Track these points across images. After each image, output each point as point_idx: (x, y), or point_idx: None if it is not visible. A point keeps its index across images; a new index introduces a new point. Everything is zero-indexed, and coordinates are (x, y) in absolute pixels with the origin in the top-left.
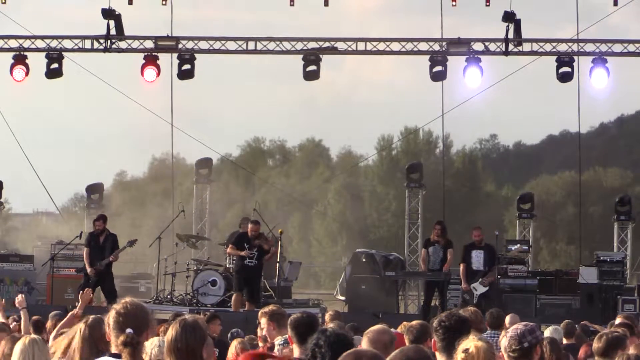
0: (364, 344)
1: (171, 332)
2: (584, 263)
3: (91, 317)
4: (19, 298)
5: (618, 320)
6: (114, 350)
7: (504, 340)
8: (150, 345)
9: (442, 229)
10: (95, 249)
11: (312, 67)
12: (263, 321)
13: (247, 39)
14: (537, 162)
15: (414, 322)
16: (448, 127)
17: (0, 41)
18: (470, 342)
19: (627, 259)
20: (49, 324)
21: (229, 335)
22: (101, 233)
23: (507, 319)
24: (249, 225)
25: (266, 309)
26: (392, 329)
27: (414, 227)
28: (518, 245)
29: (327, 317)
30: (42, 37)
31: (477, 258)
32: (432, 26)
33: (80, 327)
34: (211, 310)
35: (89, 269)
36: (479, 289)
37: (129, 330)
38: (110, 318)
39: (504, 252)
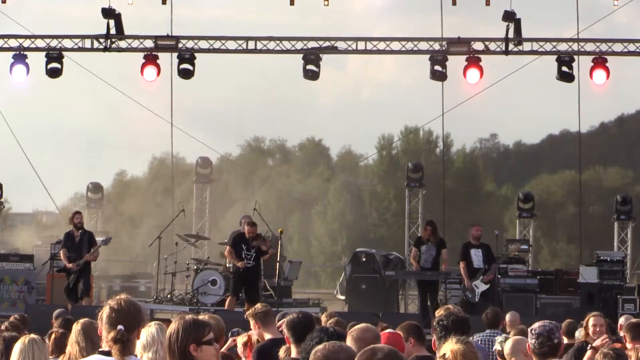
0: (348, 342)
1: (171, 328)
2: (584, 263)
3: (81, 320)
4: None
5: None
6: (104, 346)
7: (530, 339)
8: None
9: (433, 230)
10: (72, 248)
11: (312, 67)
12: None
13: (247, 39)
14: (537, 161)
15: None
16: (448, 127)
17: (0, 41)
18: (447, 347)
19: (627, 258)
20: (55, 324)
21: (229, 334)
22: (77, 230)
23: (507, 316)
24: (246, 228)
25: (250, 310)
26: (391, 329)
27: (414, 227)
28: (516, 244)
29: (323, 317)
30: (42, 37)
31: (477, 256)
32: (433, 26)
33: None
34: (211, 310)
35: (68, 265)
36: (480, 286)
37: (120, 326)
38: (103, 313)
39: (504, 251)
